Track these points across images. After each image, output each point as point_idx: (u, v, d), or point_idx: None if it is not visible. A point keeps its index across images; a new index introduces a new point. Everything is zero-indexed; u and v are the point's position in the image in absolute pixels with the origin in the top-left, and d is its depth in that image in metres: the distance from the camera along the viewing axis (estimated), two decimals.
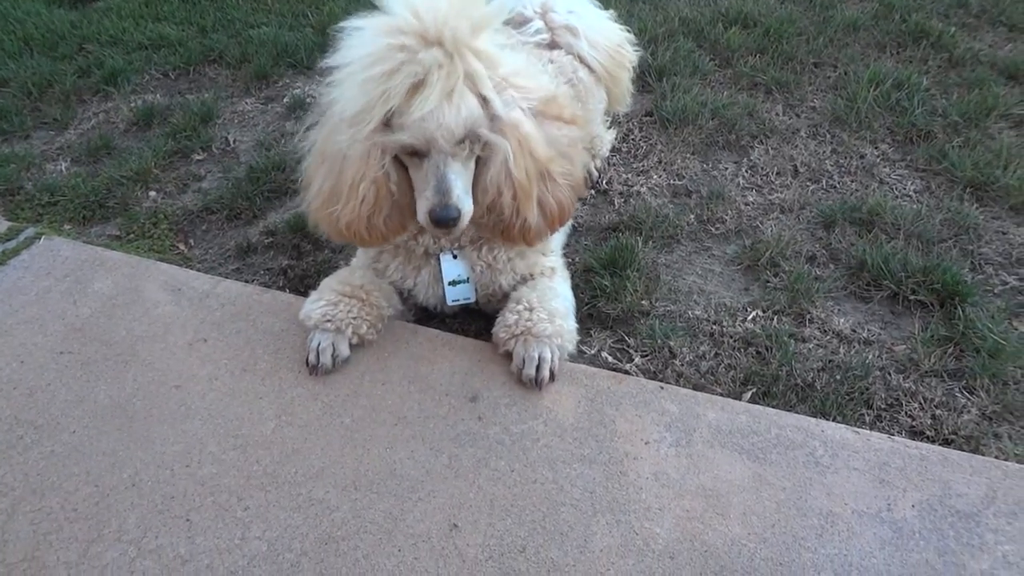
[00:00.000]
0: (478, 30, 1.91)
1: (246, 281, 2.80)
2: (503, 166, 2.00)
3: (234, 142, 3.62)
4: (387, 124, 1.94)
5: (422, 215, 2.01)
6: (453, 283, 2.34)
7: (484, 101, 1.94)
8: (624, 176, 3.27)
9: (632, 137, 3.49)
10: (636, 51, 3.11)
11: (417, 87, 1.85)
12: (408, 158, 2.00)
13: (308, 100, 3.85)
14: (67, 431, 2.14)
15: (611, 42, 2.93)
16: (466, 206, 2.01)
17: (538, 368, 2.18)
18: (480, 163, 2.04)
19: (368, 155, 1.97)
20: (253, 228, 3.10)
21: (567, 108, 2.20)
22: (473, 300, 2.40)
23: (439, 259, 2.31)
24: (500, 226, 2.13)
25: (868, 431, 2.12)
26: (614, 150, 3.40)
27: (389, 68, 1.85)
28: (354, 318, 2.27)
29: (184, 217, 3.18)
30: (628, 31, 3.06)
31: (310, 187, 2.14)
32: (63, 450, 2.09)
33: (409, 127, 1.89)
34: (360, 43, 1.92)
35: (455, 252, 2.30)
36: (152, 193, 3.32)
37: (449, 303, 2.39)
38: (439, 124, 1.87)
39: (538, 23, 2.79)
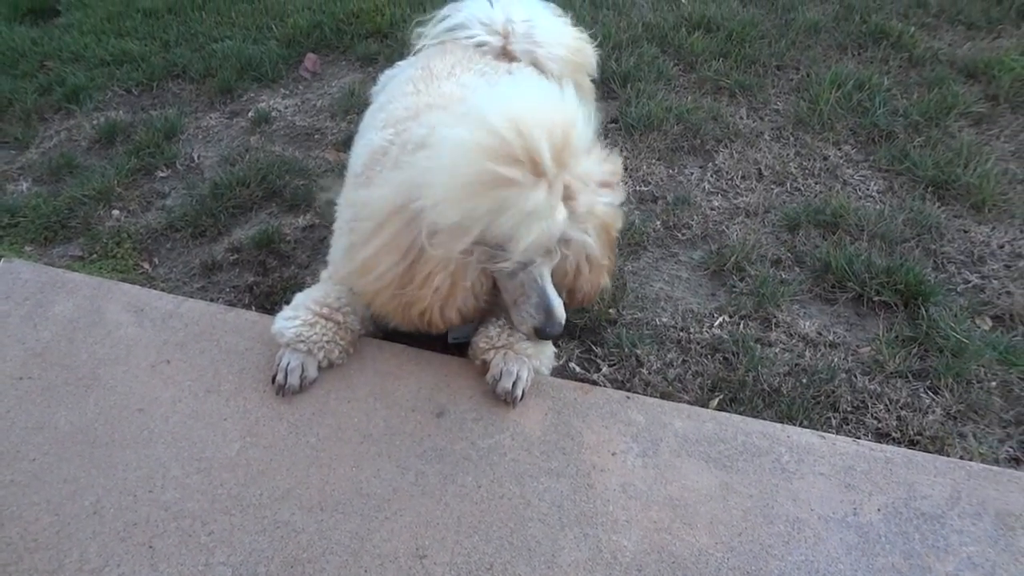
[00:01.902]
0: (580, 153, 1.86)
1: (212, 299, 2.78)
2: (582, 252, 2.03)
3: (198, 158, 3.58)
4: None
5: (525, 328, 2.05)
6: None
7: (572, 203, 1.89)
8: None
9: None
10: (596, 51, 3.09)
11: (531, 218, 1.79)
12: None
13: (273, 115, 3.82)
14: (27, 459, 2.10)
15: (571, 45, 2.91)
16: (563, 314, 2.02)
17: (514, 384, 2.16)
18: None
19: (453, 265, 1.95)
20: (218, 245, 3.07)
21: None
22: (471, 338, 2.36)
23: None
24: (571, 298, 2.15)
25: (834, 435, 2.14)
26: None
27: (502, 200, 1.77)
28: (328, 342, 2.24)
29: (148, 236, 3.15)
30: (584, 32, 3.04)
31: (370, 272, 2.06)
32: (23, 479, 2.05)
33: (511, 252, 1.86)
34: (462, 158, 1.81)
35: None
36: (115, 212, 3.28)
37: (450, 341, 2.38)
38: (540, 246, 1.87)
39: (493, 39, 2.78)
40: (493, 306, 2.18)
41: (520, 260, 1.91)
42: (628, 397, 2.23)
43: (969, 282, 2.74)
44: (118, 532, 1.93)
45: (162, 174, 3.49)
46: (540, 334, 2.04)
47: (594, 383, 2.40)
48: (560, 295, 2.07)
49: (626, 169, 3.33)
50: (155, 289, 2.74)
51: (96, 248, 3.07)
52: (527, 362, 2.19)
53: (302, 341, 2.22)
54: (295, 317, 2.26)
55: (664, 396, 2.35)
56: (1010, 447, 2.23)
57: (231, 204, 3.23)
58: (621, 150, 3.44)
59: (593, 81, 3.11)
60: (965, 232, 2.94)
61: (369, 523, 1.93)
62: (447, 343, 2.46)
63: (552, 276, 2.05)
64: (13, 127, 3.83)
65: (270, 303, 2.75)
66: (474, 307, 2.10)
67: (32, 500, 2.00)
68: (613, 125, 3.61)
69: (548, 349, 2.27)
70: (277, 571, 1.84)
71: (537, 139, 1.75)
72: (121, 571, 1.84)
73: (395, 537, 1.90)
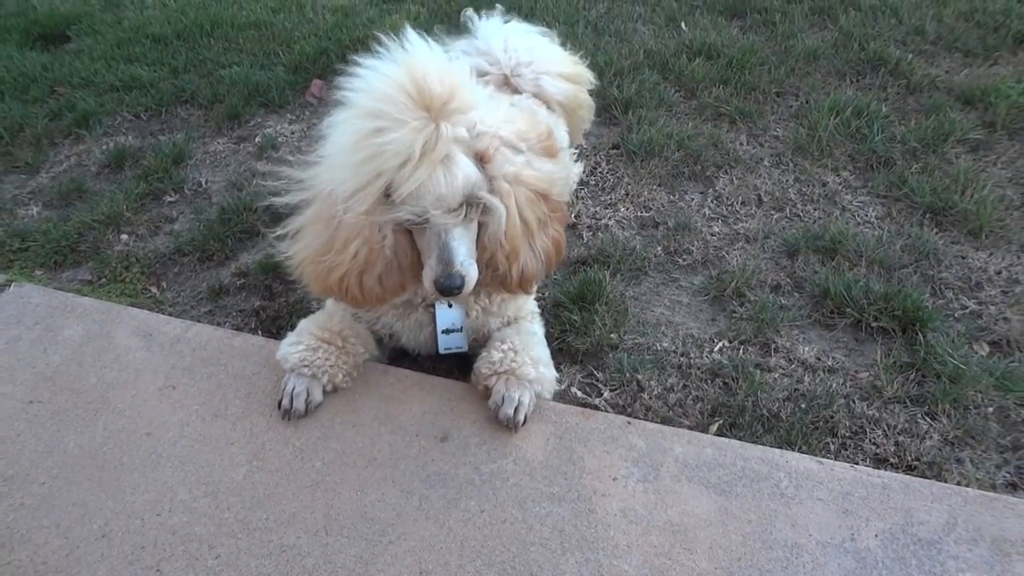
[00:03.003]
0: (459, 89, 1.88)
1: (219, 323, 2.82)
2: (499, 227, 1.99)
3: (206, 183, 3.64)
4: (386, 196, 1.90)
5: (428, 283, 1.99)
6: (447, 331, 2.34)
7: (482, 161, 1.92)
8: (592, 209, 3.31)
9: (599, 170, 3.55)
10: (596, 79, 3.14)
11: (408, 160, 1.81)
12: (411, 226, 1.98)
13: (280, 140, 3.88)
14: (36, 482, 2.13)
15: (568, 66, 2.96)
16: (471, 272, 1.98)
17: (516, 410, 2.20)
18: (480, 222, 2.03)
19: (367, 229, 1.96)
20: (225, 269, 3.12)
21: (555, 141, 2.22)
22: (465, 349, 2.40)
23: (435, 306, 2.30)
24: (498, 278, 2.11)
25: (832, 461, 2.16)
26: (582, 183, 3.45)
27: (376, 148, 1.80)
28: (331, 366, 2.29)
29: (156, 260, 3.19)
30: (579, 60, 3.10)
31: (300, 241, 2.12)
32: (33, 502, 2.09)
33: (405, 201, 1.87)
34: (344, 125, 1.90)
35: (451, 300, 2.25)
36: (124, 236, 3.33)
37: (441, 351, 2.39)
38: (434, 195, 1.85)
39: (494, 68, 2.83)
40: (421, 282, 2.11)
41: (415, 210, 1.88)
42: (629, 422, 2.26)
43: (966, 308, 2.77)
44: (126, 555, 1.96)
45: (170, 199, 3.55)
46: (439, 286, 1.95)
47: (595, 408, 2.43)
48: (482, 271, 2.05)
49: (627, 195, 3.38)
50: (163, 313, 2.79)
51: (105, 272, 3.12)
52: (529, 388, 2.22)
53: (306, 366, 2.27)
54: (299, 343, 2.31)
55: (664, 421, 2.38)
56: (1007, 472, 2.26)
57: (238, 229, 3.28)
58: (622, 176, 3.49)
59: (591, 92, 3.14)
60: (962, 258, 2.98)
61: (373, 547, 1.96)
62: (451, 368, 2.50)
63: (478, 251, 2.05)
64: (24, 152, 3.89)
65: (276, 327, 2.79)
66: (398, 280, 2.08)
67: (41, 523, 2.03)
68: (615, 151, 3.66)
69: (549, 374, 2.30)
70: None
71: (399, 87, 1.82)
72: None
73: (399, 561, 1.93)
